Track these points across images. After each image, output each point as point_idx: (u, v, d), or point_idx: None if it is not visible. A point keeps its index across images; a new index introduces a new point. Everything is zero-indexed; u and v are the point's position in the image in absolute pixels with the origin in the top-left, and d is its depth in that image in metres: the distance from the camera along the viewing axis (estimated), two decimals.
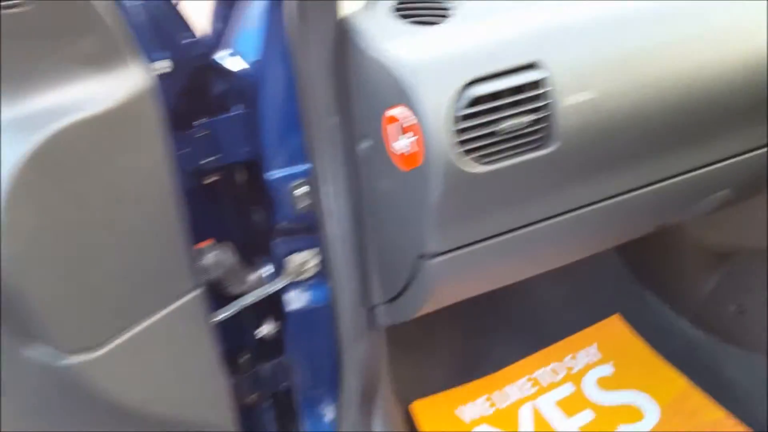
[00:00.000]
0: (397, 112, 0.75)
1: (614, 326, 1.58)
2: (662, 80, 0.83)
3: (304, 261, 0.99)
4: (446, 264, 0.84)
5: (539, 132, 0.78)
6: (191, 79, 0.93)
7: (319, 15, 0.77)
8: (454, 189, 0.76)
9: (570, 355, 1.51)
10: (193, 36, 0.93)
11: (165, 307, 0.80)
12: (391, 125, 0.77)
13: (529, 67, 0.76)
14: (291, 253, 0.98)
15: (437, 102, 0.73)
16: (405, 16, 0.81)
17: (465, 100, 0.73)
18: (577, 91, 0.78)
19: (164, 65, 0.89)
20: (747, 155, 0.98)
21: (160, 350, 0.82)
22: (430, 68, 0.74)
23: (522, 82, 0.75)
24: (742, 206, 1.16)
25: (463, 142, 0.74)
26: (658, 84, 0.83)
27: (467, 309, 1.17)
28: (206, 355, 0.89)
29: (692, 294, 1.48)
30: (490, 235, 0.85)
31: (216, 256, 0.92)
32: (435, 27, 0.79)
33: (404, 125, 0.75)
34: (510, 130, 0.75)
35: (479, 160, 0.76)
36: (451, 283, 0.89)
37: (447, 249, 0.83)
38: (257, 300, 0.98)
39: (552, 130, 0.78)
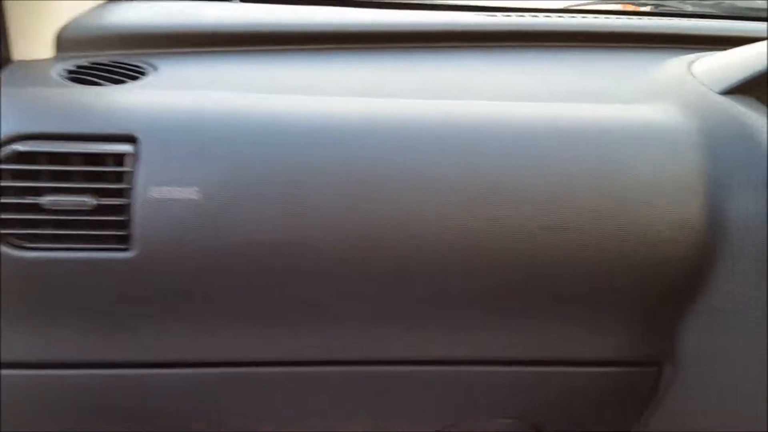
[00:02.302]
0: None
1: None
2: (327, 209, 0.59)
3: None
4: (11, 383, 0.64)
5: (114, 226, 0.58)
6: None
7: None
8: None
9: None
10: None
11: None
12: None
13: (115, 139, 0.59)
14: None
15: None
16: (73, 73, 0.69)
17: (3, 156, 0.58)
18: (172, 185, 0.58)
19: None
20: (514, 368, 0.67)
21: None
22: None
23: (92, 151, 0.58)
24: None
25: None
26: (321, 213, 0.59)
27: None
28: None
29: None
30: (68, 361, 0.65)
31: None
32: (78, 87, 0.66)
33: None
34: (64, 207, 0.58)
35: (21, 240, 0.59)
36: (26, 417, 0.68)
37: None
38: None
39: (131, 227, 0.58)
